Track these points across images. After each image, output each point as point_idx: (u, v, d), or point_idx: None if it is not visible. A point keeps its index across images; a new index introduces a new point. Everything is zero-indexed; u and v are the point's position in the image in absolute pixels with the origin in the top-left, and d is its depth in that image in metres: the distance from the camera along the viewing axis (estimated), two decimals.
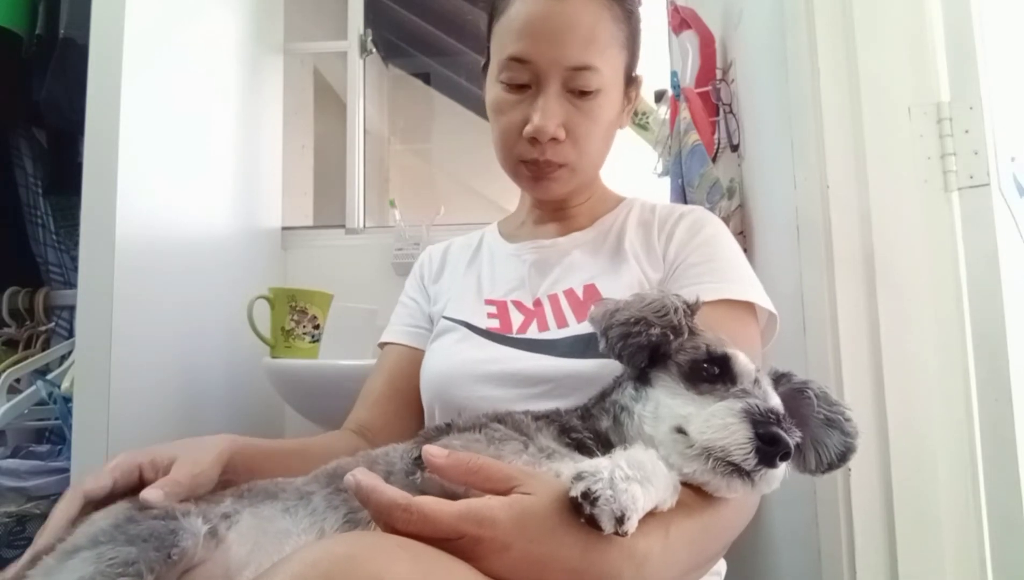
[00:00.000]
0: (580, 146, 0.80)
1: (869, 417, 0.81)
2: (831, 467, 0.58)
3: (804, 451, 0.58)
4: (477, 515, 0.44)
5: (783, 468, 0.51)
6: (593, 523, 0.43)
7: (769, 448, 0.49)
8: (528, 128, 0.77)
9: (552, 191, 0.85)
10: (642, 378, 0.59)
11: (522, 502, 0.46)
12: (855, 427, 0.58)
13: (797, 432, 0.51)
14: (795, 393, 0.60)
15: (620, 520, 0.43)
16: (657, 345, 0.58)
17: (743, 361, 0.56)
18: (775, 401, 0.55)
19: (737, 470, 0.50)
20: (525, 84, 0.78)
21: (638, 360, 0.58)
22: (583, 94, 0.78)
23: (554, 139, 0.78)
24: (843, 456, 0.58)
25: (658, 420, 0.55)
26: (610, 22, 0.77)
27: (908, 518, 0.79)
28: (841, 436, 0.58)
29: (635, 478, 0.45)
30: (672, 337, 0.58)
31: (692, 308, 0.61)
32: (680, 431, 0.53)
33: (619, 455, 0.47)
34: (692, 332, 0.60)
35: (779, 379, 0.60)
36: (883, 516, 0.80)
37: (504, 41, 0.78)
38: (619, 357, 0.59)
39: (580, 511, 0.44)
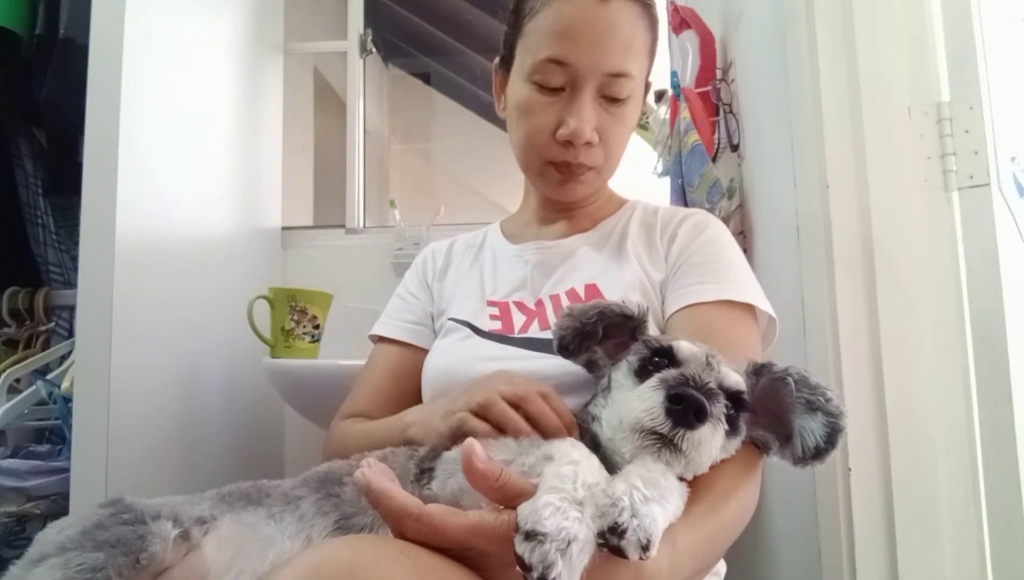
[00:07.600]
0: (609, 150, 0.81)
1: (869, 417, 0.81)
2: (821, 452, 0.55)
3: (792, 440, 0.57)
4: (487, 531, 0.44)
5: (709, 428, 0.50)
6: (618, 553, 0.42)
7: (677, 407, 0.49)
8: (564, 131, 0.77)
9: (577, 193, 0.85)
10: (609, 386, 0.60)
11: None
12: (837, 406, 0.55)
13: (722, 393, 0.52)
14: (776, 382, 0.58)
15: (646, 547, 0.42)
16: (591, 332, 0.62)
17: (686, 348, 0.56)
18: (731, 379, 0.55)
19: (660, 439, 0.49)
20: (559, 87, 0.78)
21: (573, 345, 0.62)
22: (614, 100, 0.78)
23: (588, 143, 0.78)
24: (830, 438, 0.55)
25: (614, 419, 0.55)
26: (643, 30, 0.78)
27: (908, 518, 0.79)
28: (824, 417, 0.55)
29: (653, 498, 0.44)
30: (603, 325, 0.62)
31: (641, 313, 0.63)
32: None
33: (633, 474, 0.46)
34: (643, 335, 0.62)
35: (759, 371, 0.59)
36: (883, 516, 0.80)
37: (541, 41, 0.77)
38: (564, 349, 0.63)
39: (605, 542, 0.42)
